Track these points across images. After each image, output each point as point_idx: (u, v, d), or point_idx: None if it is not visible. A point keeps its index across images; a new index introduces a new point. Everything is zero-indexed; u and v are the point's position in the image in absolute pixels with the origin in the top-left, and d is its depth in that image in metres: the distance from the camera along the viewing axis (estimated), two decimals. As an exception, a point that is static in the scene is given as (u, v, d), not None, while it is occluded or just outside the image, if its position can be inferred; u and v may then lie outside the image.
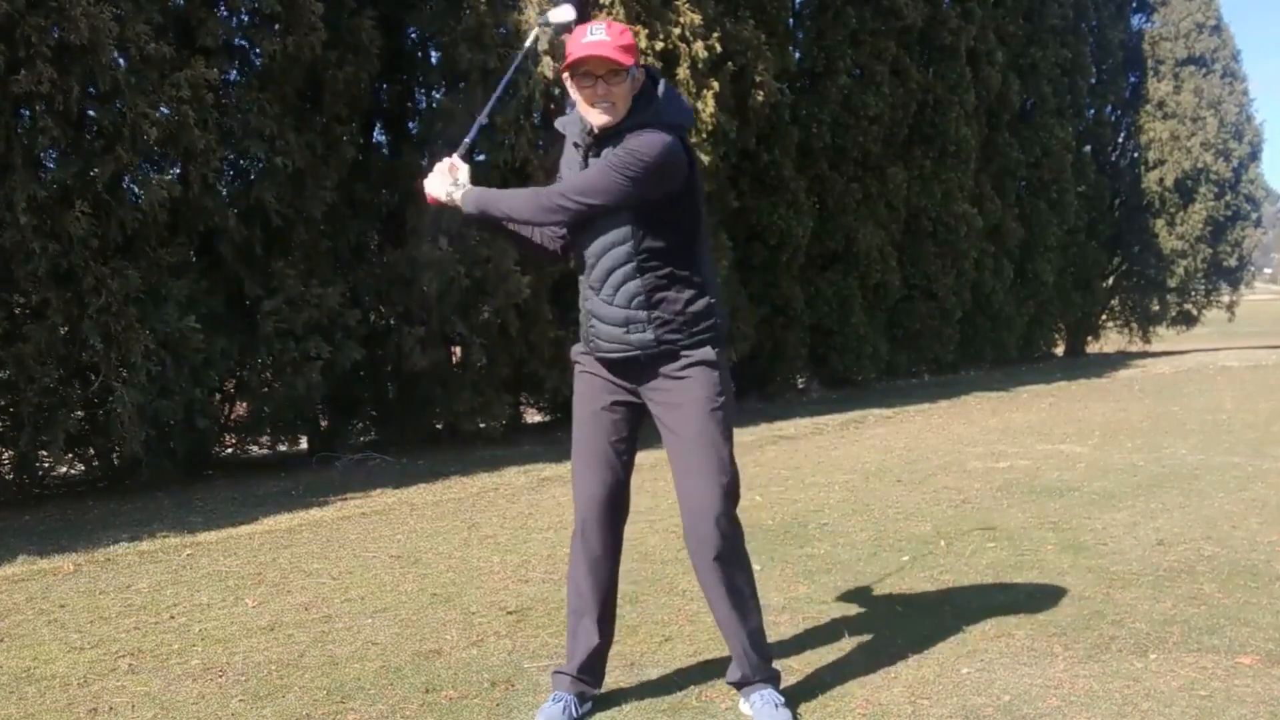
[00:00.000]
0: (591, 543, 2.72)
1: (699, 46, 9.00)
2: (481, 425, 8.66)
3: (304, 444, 8.48)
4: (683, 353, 2.63)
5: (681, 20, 8.96)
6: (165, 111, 6.22)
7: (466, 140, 2.86)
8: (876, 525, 5.00)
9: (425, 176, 2.78)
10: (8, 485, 6.57)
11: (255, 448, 8.39)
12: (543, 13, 3.03)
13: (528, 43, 3.17)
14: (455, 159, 2.77)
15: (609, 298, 2.62)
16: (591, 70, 2.52)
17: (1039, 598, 3.67)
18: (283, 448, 8.54)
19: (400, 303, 7.99)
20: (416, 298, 7.88)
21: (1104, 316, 20.49)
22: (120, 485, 6.80)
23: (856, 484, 6.19)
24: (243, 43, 7.17)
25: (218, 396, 7.51)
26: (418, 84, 8.86)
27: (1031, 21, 15.91)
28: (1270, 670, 2.92)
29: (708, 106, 9.06)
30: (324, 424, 8.29)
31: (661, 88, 2.61)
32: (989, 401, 11.20)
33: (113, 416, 6.17)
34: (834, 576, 4.06)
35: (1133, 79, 19.59)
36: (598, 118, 2.56)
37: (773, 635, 3.02)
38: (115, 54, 5.99)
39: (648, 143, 2.50)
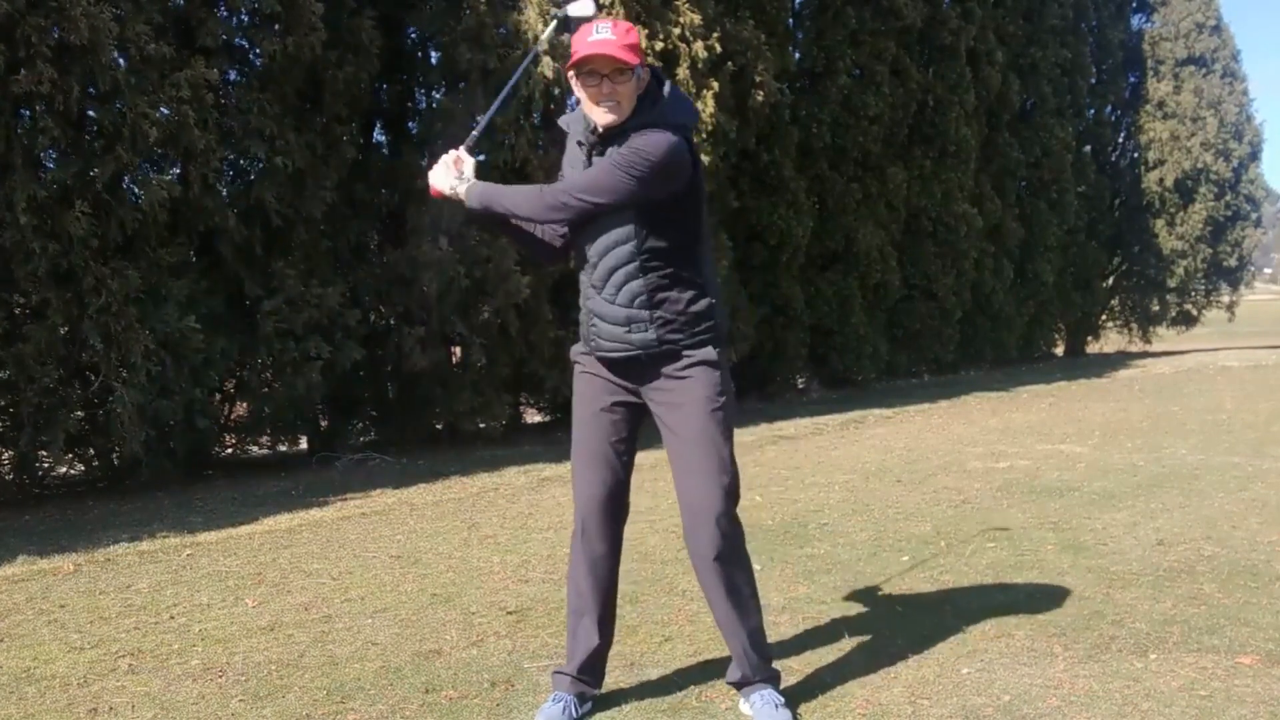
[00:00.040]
0: (592, 543, 2.72)
1: (699, 46, 9.00)
2: (481, 425, 8.66)
3: (304, 444, 8.48)
4: (684, 352, 2.63)
5: (681, 20, 8.96)
6: (165, 111, 6.22)
7: (474, 133, 2.84)
8: (876, 525, 5.01)
9: (430, 170, 2.77)
10: (8, 485, 6.57)
11: (255, 448, 8.39)
12: (562, 4, 3.02)
13: (545, 33, 3.15)
14: (461, 152, 2.76)
15: (611, 297, 2.62)
16: (597, 69, 2.52)
17: (1039, 598, 3.67)
18: (283, 448, 8.54)
19: (400, 303, 7.99)
20: (416, 298, 7.89)
21: (1104, 316, 20.48)
22: (120, 485, 6.80)
23: (856, 484, 6.19)
24: (243, 43, 7.17)
25: (218, 396, 7.51)
26: (418, 84, 8.86)
27: (1031, 21, 15.91)
28: (1270, 670, 2.92)
29: (708, 106, 9.06)
30: (324, 424, 8.29)
31: (667, 88, 2.62)
32: (989, 401, 11.21)
33: (113, 416, 6.17)
34: (834, 576, 4.06)
35: (1133, 79, 19.59)
36: (602, 117, 2.56)
37: (773, 635, 3.02)
38: (115, 54, 5.99)
39: (653, 142, 2.50)
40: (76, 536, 5.24)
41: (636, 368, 2.67)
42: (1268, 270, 67.83)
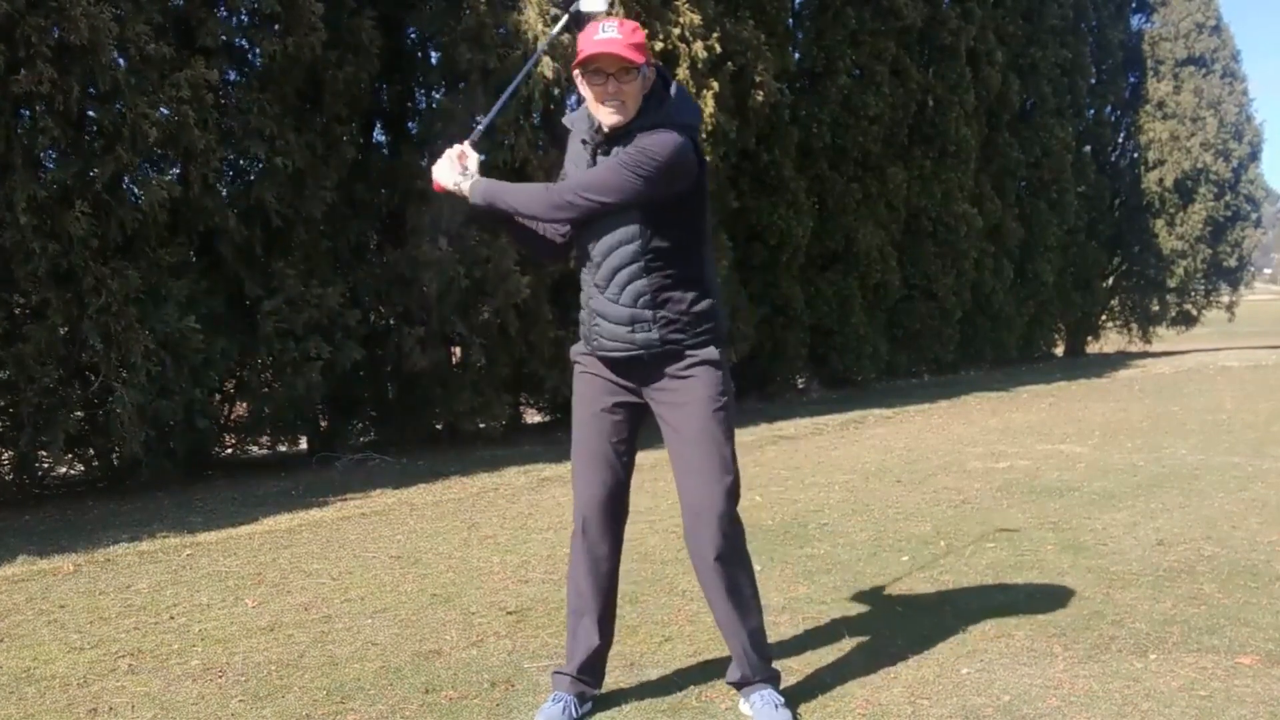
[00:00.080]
0: (592, 543, 2.72)
1: (699, 46, 9.00)
2: (481, 425, 8.66)
3: (304, 444, 8.48)
4: (686, 352, 2.63)
5: (681, 20, 8.96)
6: (165, 112, 6.22)
7: (479, 127, 2.83)
8: (876, 525, 5.01)
9: (434, 165, 2.75)
10: (8, 485, 6.57)
11: (255, 448, 8.39)
12: (572, 1, 3.01)
13: (556, 28, 3.14)
14: (466, 146, 2.75)
15: (615, 296, 2.62)
16: (602, 67, 2.52)
17: (1039, 598, 3.68)
18: (283, 448, 8.54)
19: (400, 303, 7.99)
20: (416, 298, 7.89)
21: (1104, 316, 20.48)
22: (120, 485, 6.80)
23: (856, 484, 6.19)
24: (242, 43, 7.16)
25: (218, 396, 7.51)
26: (418, 84, 8.86)
27: (1031, 21, 15.91)
28: (1270, 670, 2.92)
29: (707, 106, 9.06)
30: (324, 424, 8.29)
31: (674, 89, 2.62)
32: (989, 401, 11.21)
33: (113, 417, 6.17)
34: (834, 576, 4.06)
35: (1132, 79, 19.59)
36: (608, 116, 2.56)
37: (773, 635, 3.02)
38: (115, 54, 5.99)
39: (660, 142, 2.51)
40: (76, 536, 5.24)
41: (639, 367, 2.67)
42: (1268, 270, 67.84)
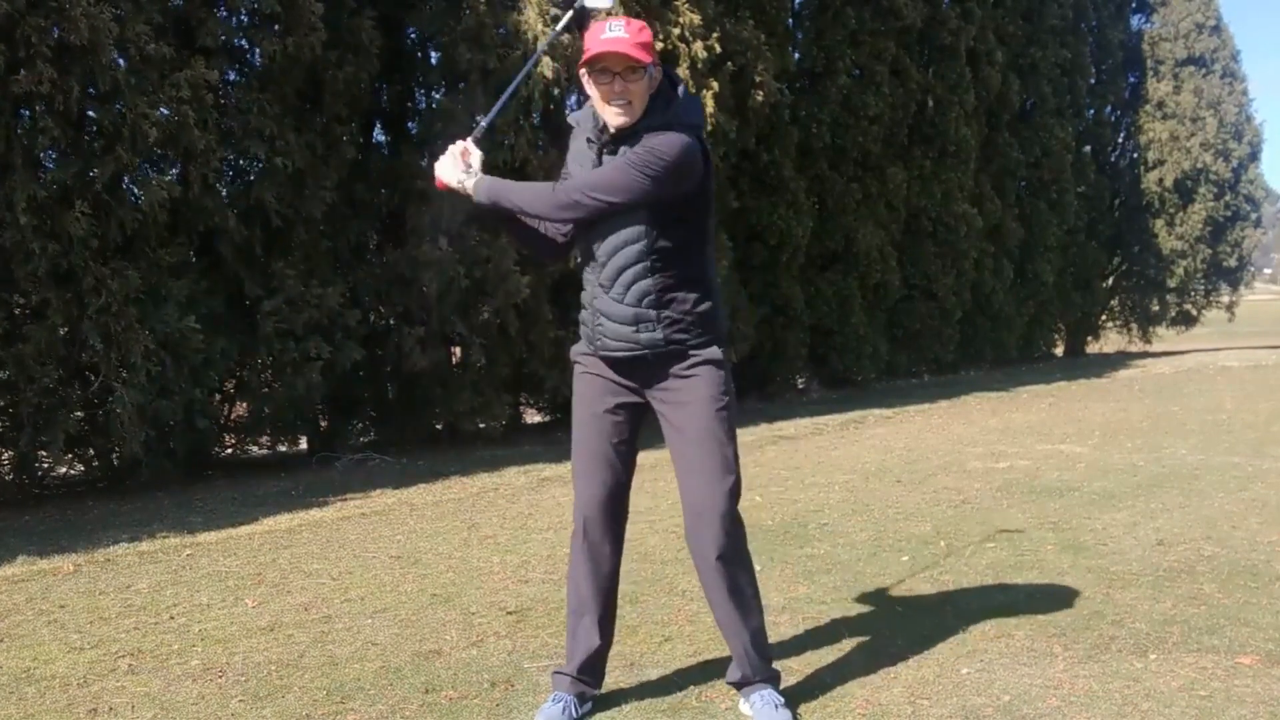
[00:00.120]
0: (594, 544, 2.72)
1: (698, 46, 9.00)
2: (481, 425, 8.66)
3: (304, 444, 8.48)
4: (690, 352, 2.63)
5: (681, 20, 8.96)
6: (165, 112, 6.22)
7: (482, 124, 2.80)
8: (876, 525, 5.00)
9: (436, 162, 2.74)
10: (8, 485, 6.57)
11: (255, 448, 8.39)
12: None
13: (560, 24, 3.13)
14: (469, 143, 2.73)
15: (619, 296, 2.61)
16: (609, 66, 2.52)
17: (1039, 598, 3.68)
18: (283, 448, 8.54)
19: (400, 303, 7.99)
20: (416, 298, 7.89)
21: (1104, 316, 20.49)
22: (120, 485, 6.80)
23: (856, 484, 6.19)
24: (242, 43, 7.17)
25: (218, 396, 7.51)
26: (418, 84, 8.86)
27: (1031, 21, 15.92)
28: (1270, 670, 2.92)
29: (707, 106, 9.06)
30: (324, 424, 8.29)
31: (681, 90, 2.62)
32: (989, 401, 11.21)
33: (113, 417, 6.17)
34: (834, 576, 4.06)
35: (1132, 79, 19.60)
36: (614, 116, 2.56)
37: (773, 635, 3.02)
38: (115, 54, 5.99)
39: (668, 142, 2.51)
40: (76, 536, 5.24)
41: (642, 367, 2.67)
42: (1267, 270, 67.86)
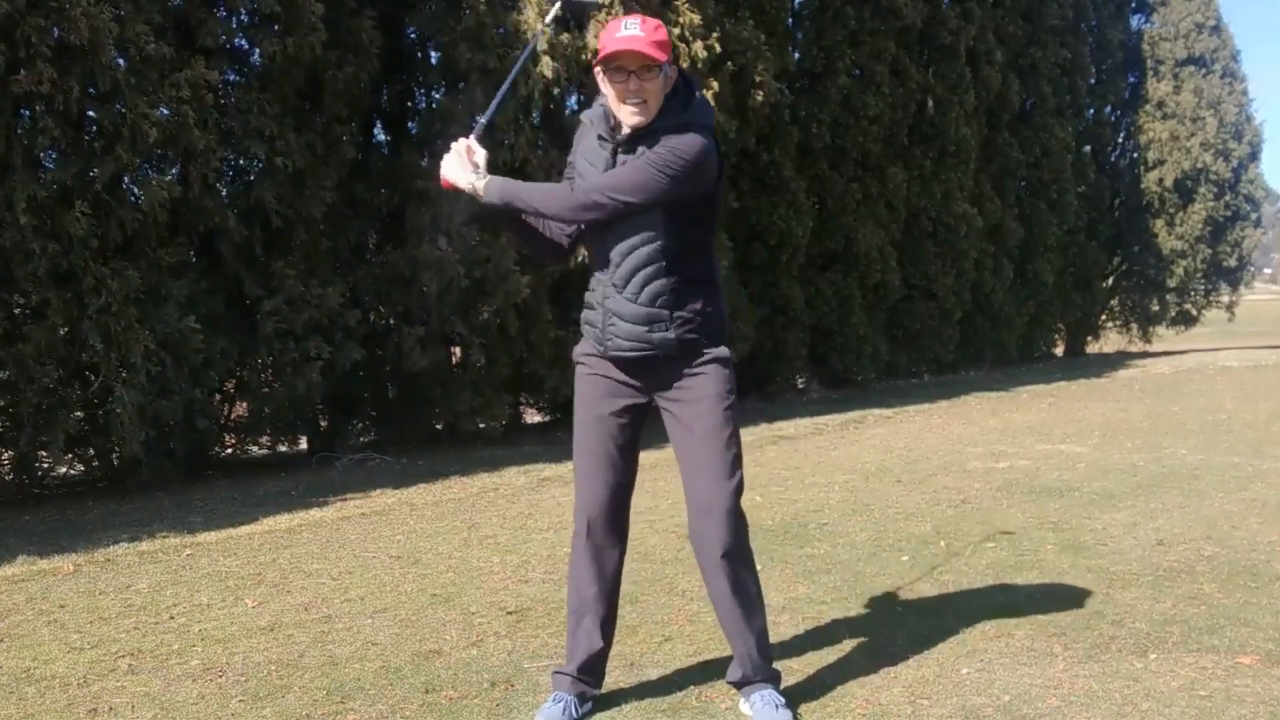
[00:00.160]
0: (597, 545, 2.72)
1: (698, 46, 9.00)
2: (481, 425, 8.66)
3: (304, 444, 8.48)
4: (699, 350, 2.64)
5: (681, 20, 8.96)
6: (165, 112, 6.22)
7: (482, 121, 2.77)
8: (876, 525, 5.01)
9: (441, 162, 2.70)
10: (8, 485, 6.57)
11: (255, 448, 8.38)
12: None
13: (549, 16, 3.12)
14: (472, 141, 2.71)
15: (633, 296, 2.60)
16: (624, 65, 2.51)
17: (1039, 598, 3.68)
18: (283, 448, 8.54)
19: (400, 303, 7.99)
20: (416, 298, 7.88)
21: (1104, 316, 20.49)
22: (120, 485, 6.80)
23: (856, 484, 6.19)
24: (242, 43, 7.16)
25: (218, 396, 7.51)
26: (418, 84, 8.86)
27: (1031, 21, 15.91)
28: (1270, 670, 2.92)
29: (708, 107, 9.06)
30: (324, 424, 8.29)
31: (698, 92, 2.63)
32: (989, 401, 11.21)
33: (113, 417, 6.17)
34: (834, 576, 4.06)
35: (1132, 79, 19.59)
36: (629, 115, 2.55)
37: (773, 635, 3.01)
38: (115, 54, 5.98)
39: (689, 142, 2.51)
40: (76, 536, 5.24)
41: (650, 367, 2.66)
42: (1268, 270, 67.89)
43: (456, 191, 2.70)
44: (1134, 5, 19.80)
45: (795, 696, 2.77)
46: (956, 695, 2.80)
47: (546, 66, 8.00)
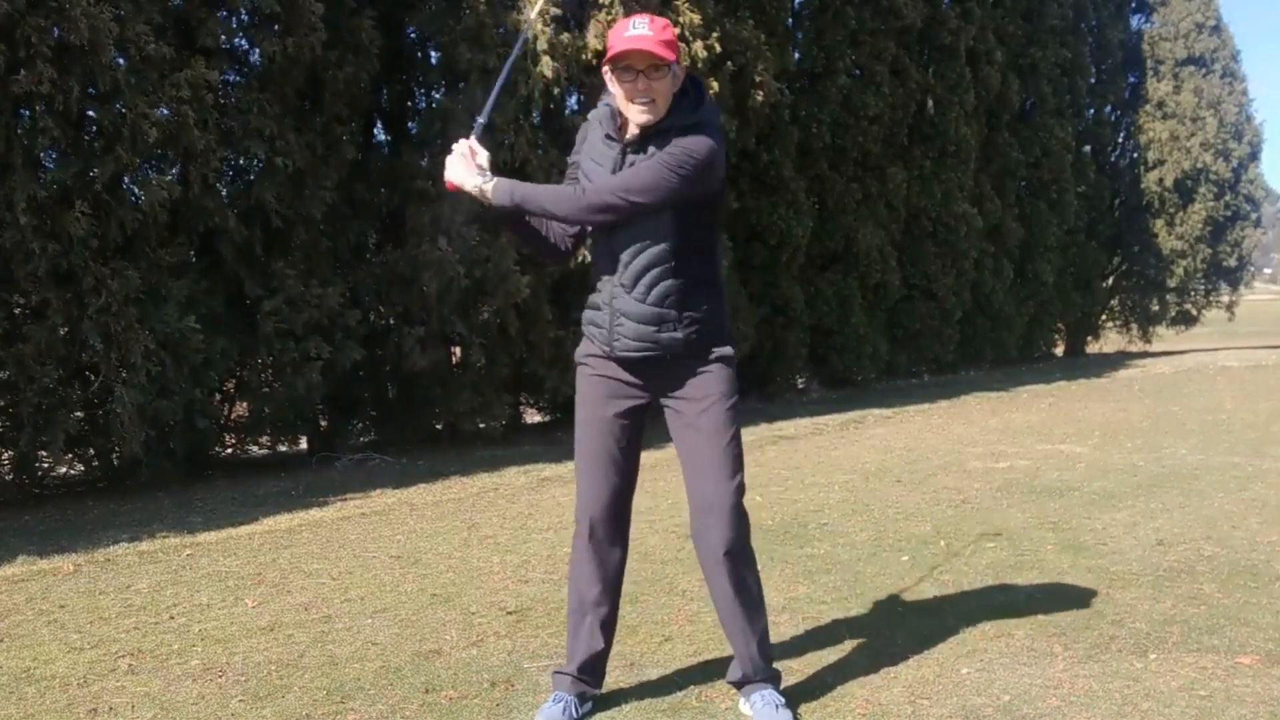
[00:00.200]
0: (599, 546, 2.72)
1: (698, 46, 9.00)
2: (481, 425, 8.66)
3: (304, 444, 8.48)
4: (705, 349, 2.64)
5: (681, 20, 8.95)
6: (165, 112, 6.22)
7: (480, 120, 2.74)
8: (876, 525, 5.01)
9: (446, 164, 2.68)
10: (8, 485, 6.57)
11: (255, 448, 8.38)
12: None
13: (535, 9, 3.10)
14: (473, 142, 2.69)
15: (642, 296, 2.60)
16: (633, 64, 2.51)
17: (1039, 598, 3.68)
18: (283, 448, 8.54)
19: (400, 303, 7.99)
20: (416, 298, 7.88)
21: (1104, 316, 20.49)
22: (120, 485, 6.80)
23: (856, 484, 6.19)
24: (242, 43, 7.17)
25: (218, 396, 7.51)
26: (418, 84, 8.86)
27: (1031, 21, 15.92)
28: (1270, 670, 2.92)
29: (708, 107, 9.06)
30: (324, 424, 8.29)
31: (705, 93, 2.63)
32: (989, 401, 11.21)
33: (113, 417, 6.17)
34: (834, 576, 4.06)
35: (1132, 79, 19.60)
36: (638, 114, 2.55)
37: (773, 635, 3.01)
38: (115, 54, 5.98)
39: (700, 143, 2.52)
40: (76, 536, 5.24)
41: (656, 367, 2.66)
42: (1267, 270, 67.89)
43: (460, 193, 2.68)
44: (1134, 5, 19.81)
45: (795, 696, 2.77)
46: (956, 695, 2.80)
47: (546, 66, 8.00)
